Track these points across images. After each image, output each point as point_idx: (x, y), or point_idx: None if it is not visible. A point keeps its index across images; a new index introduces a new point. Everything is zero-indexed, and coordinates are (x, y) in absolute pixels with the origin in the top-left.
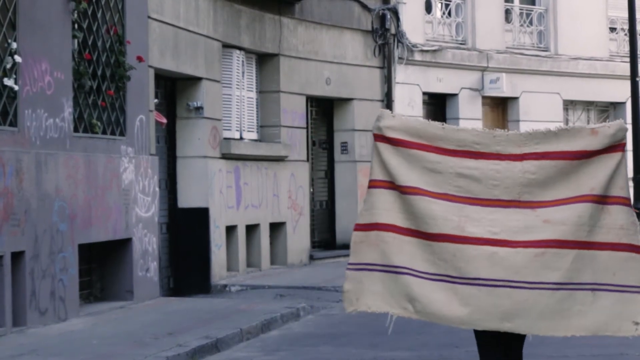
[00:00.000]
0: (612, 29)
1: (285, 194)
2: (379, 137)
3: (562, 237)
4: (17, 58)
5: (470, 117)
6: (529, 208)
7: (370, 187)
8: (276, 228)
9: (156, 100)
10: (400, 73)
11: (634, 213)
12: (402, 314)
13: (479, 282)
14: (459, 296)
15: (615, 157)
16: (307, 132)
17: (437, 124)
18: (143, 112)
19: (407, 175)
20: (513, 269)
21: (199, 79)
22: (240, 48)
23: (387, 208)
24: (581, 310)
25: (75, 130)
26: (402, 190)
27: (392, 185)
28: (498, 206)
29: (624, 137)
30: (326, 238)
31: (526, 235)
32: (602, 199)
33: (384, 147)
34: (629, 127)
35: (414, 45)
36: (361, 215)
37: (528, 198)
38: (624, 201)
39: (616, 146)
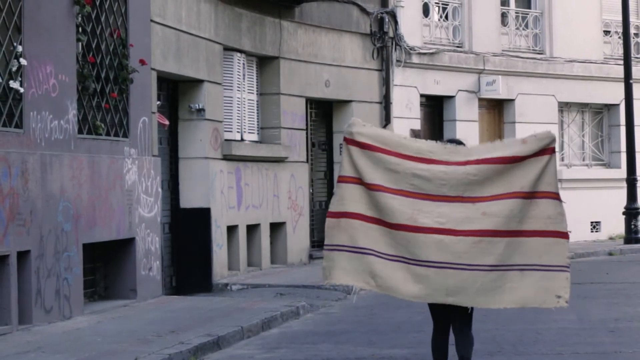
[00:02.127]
0: (607, 32)
1: (285, 195)
2: (350, 141)
3: (496, 227)
4: (23, 61)
5: (466, 119)
6: (470, 202)
7: (340, 181)
8: (276, 228)
9: (158, 103)
10: (398, 75)
11: (562, 205)
12: (365, 287)
13: (429, 264)
14: (412, 275)
15: (544, 159)
16: (307, 133)
17: (400, 134)
18: (146, 114)
19: (371, 174)
20: (456, 254)
21: (201, 81)
22: (241, 51)
23: (355, 200)
24: (512, 287)
25: (80, 131)
26: (367, 187)
27: (359, 181)
28: (445, 201)
29: (552, 143)
30: None
31: (467, 225)
32: (530, 195)
33: (353, 149)
34: (623, 128)
35: (412, 48)
36: (332, 205)
37: (469, 194)
38: (552, 195)
39: (545, 150)
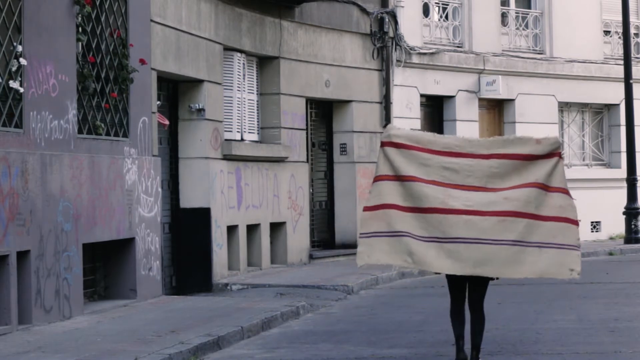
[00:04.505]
0: (607, 32)
1: (286, 195)
2: (387, 143)
3: (516, 209)
4: (23, 61)
5: (466, 119)
6: (492, 192)
7: (376, 180)
8: (276, 228)
9: (159, 102)
10: (398, 75)
11: (571, 199)
12: (404, 264)
13: (459, 240)
14: (444, 251)
15: (553, 160)
16: (307, 133)
17: (430, 133)
18: (146, 114)
19: (406, 168)
20: (483, 230)
21: (201, 81)
22: (241, 51)
23: (391, 193)
24: (531, 260)
25: (80, 131)
26: (403, 179)
27: (394, 177)
28: (471, 190)
29: (560, 148)
30: (325, 238)
31: (491, 207)
32: (544, 187)
33: (390, 150)
34: (623, 128)
35: (412, 48)
36: (369, 201)
37: (492, 185)
38: (562, 190)
39: (554, 154)
